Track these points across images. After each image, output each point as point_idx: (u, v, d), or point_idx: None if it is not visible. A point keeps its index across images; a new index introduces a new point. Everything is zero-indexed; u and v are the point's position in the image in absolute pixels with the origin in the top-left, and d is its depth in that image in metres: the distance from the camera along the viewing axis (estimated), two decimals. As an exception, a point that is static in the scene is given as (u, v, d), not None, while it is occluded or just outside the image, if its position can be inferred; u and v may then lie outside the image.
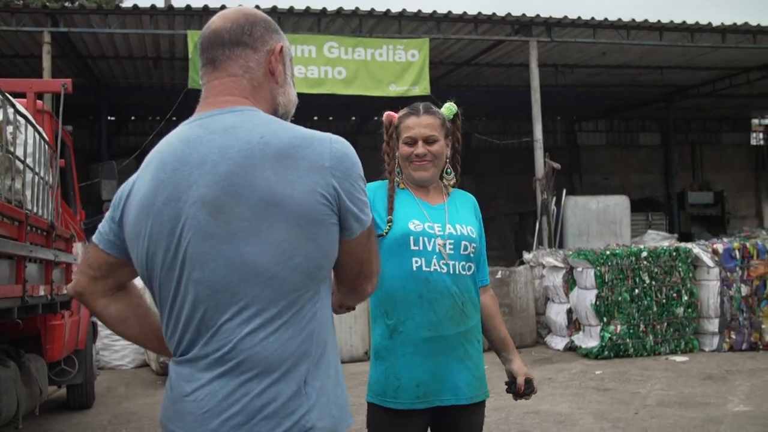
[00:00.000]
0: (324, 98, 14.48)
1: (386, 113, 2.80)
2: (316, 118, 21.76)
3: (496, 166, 21.36)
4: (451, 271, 2.55)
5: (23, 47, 12.76)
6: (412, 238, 2.54)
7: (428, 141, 2.63)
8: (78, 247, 7.55)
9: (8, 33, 11.76)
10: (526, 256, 11.88)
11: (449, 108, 2.75)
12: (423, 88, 12.15)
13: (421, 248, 2.54)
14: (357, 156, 1.67)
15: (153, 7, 11.82)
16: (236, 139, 1.60)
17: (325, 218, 1.60)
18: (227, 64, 1.74)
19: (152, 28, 11.79)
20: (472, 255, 2.61)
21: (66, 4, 11.64)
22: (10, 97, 4.87)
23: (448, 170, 2.73)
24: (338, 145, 1.65)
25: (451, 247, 2.56)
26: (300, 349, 1.58)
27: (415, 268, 2.53)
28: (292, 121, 1.77)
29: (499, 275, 11.12)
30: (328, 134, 1.69)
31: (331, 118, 21.94)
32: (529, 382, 2.73)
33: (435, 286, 2.53)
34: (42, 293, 5.20)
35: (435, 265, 2.53)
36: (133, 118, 21.02)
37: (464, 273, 2.59)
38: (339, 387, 1.68)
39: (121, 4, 14.10)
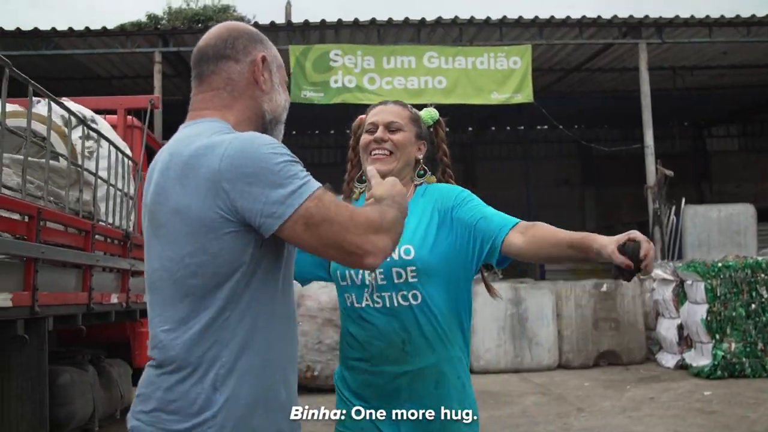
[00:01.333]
0: (439, 108, 14.33)
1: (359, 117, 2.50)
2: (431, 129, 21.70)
3: (617, 175, 20.57)
4: (387, 305, 2.16)
5: (140, 67, 13.35)
6: (338, 272, 2.23)
7: (390, 128, 2.31)
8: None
9: (125, 54, 12.37)
10: (635, 268, 11.30)
11: (429, 112, 2.50)
12: (526, 95, 11.84)
13: (349, 282, 2.21)
14: (266, 148, 1.60)
15: (256, 23, 12.14)
16: (172, 152, 1.69)
17: (216, 225, 1.61)
18: (211, 79, 1.82)
19: (257, 44, 12.09)
20: (413, 281, 2.15)
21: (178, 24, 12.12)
22: (79, 115, 5.08)
23: (421, 172, 2.38)
24: (236, 143, 1.62)
25: (381, 276, 2.16)
26: (208, 354, 1.61)
27: (348, 304, 2.23)
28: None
29: (604, 288, 10.67)
30: (235, 136, 1.66)
31: (447, 129, 21.77)
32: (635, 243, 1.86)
33: (367, 324, 2.19)
34: (115, 301, 5.35)
35: (367, 300, 2.18)
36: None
37: (405, 304, 2.15)
38: (268, 412, 1.65)
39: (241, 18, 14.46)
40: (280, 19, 12.43)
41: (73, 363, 5.28)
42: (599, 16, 11.91)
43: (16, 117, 4.85)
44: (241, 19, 12.33)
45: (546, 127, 18.32)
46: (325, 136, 21.87)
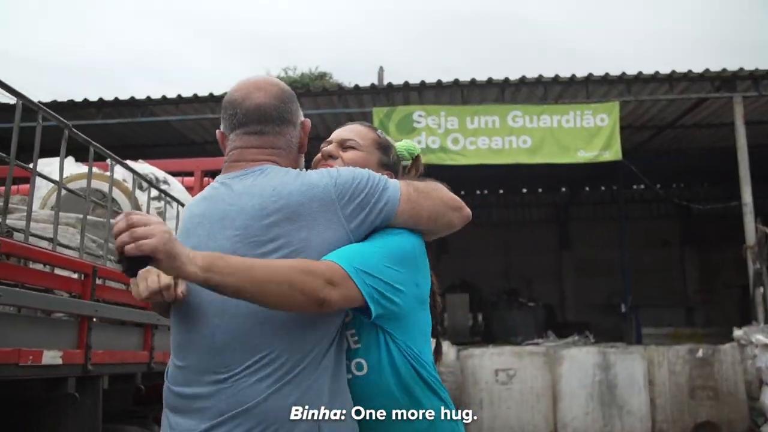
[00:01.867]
0: (533, 170, 14.19)
1: None
2: (525, 190, 21.44)
3: (719, 234, 19.66)
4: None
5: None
6: None
7: (344, 145, 2.18)
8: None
9: (215, 120, 12.74)
10: (736, 332, 10.65)
11: (407, 145, 2.35)
12: (614, 152, 11.51)
13: None
14: (360, 169, 1.97)
15: (340, 87, 12.35)
16: (252, 195, 1.87)
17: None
18: (275, 139, 2.01)
19: (341, 107, 12.27)
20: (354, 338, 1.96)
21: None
22: (146, 176, 5.22)
23: None
24: (343, 172, 1.94)
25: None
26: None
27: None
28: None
29: (700, 353, 10.06)
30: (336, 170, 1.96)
31: (540, 190, 21.49)
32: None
33: None
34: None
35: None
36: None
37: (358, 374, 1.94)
38: None
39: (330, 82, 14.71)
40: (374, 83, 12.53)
41: (139, 422, 5.30)
42: (690, 71, 11.52)
43: (85, 179, 5.01)
44: (339, 86, 12.53)
45: (642, 186, 17.76)
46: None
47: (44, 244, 3.97)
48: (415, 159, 2.36)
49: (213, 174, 7.20)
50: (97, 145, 4.38)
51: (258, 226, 1.82)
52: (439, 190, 2.02)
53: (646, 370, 9.94)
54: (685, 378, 9.93)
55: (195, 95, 12.26)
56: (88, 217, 4.59)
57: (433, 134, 11.69)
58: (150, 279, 1.82)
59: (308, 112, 12.35)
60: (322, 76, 28.82)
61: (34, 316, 3.79)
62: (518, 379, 9.85)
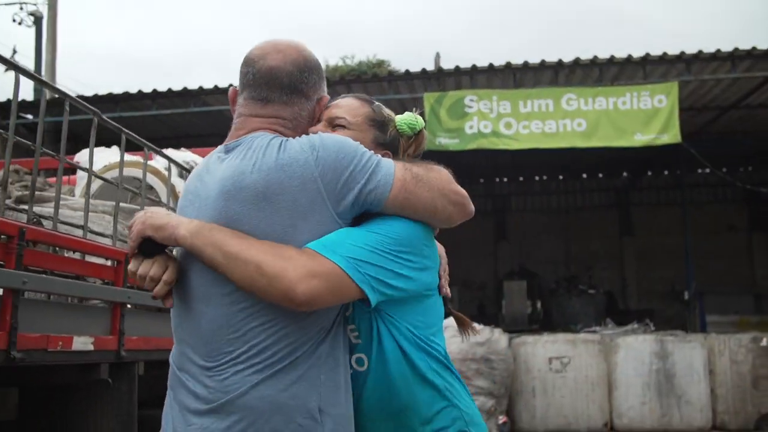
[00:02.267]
0: (593, 155, 13.87)
1: None
2: (585, 175, 21.01)
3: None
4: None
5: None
6: None
7: (332, 123, 1.96)
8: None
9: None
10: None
11: (408, 119, 2.05)
12: (672, 135, 11.14)
13: None
14: (348, 140, 1.80)
15: (390, 73, 12.26)
16: (232, 172, 1.75)
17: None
18: (281, 109, 1.86)
19: (392, 93, 12.17)
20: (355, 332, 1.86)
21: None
22: (184, 164, 5.23)
23: None
24: (327, 142, 1.77)
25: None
26: None
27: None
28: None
29: (764, 342, 9.70)
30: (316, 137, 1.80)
31: (601, 175, 21.03)
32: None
33: None
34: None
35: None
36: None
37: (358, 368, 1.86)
38: None
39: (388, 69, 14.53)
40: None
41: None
42: (754, 47, 11.05)
43: (128, 167, 5.06)
44: (390, 72, 12.43)
45: (707, 170, 17.22)
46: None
47: (79, 232, 4.01)
48: (418, 134, 2.06)
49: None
50: (130, 133, 4.40)
51: (233, 208, 1.72)
52: (441, 179, 1.81)
53: (706, 359, 9.64)
54: (748, 367, 9.59)
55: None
56: (126, 205, 4.63)
57: (485, 119, 11.50)
58: (154, 267, 1.77)
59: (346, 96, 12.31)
60: (380, 63, 28.71)
61: (65, 303, 3.83)
62: (572, 367, 9.66)
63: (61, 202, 4.44)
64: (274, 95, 1.85)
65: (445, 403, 1.85)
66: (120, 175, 4.36)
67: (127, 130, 4.37)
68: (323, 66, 1.99)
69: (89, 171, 3.98)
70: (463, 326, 2.09)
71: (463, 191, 1.86)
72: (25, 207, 4.50)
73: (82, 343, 3.70)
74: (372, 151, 1.80)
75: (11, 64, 3.35)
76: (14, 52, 16.51)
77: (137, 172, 5.22)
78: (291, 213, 1.69)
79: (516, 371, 9.58)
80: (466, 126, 11.51)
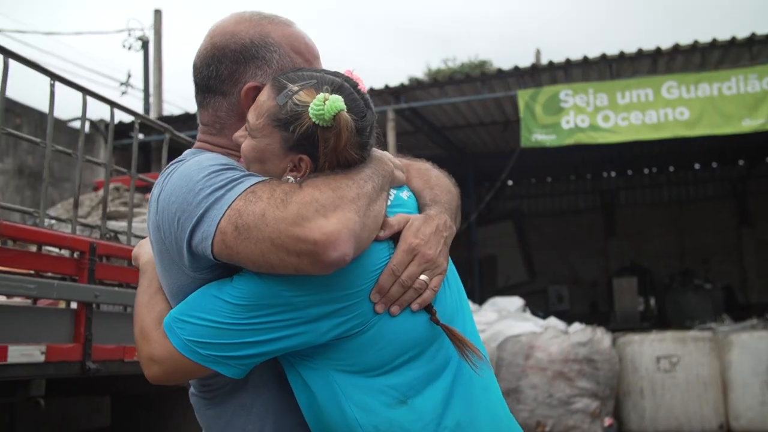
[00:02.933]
0: (705, 144, 13.33)
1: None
2: (697, 166, 20.14)
3: None
4: None
5: (380, 126, 13.88)
6: None
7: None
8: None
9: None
10: None
11: (315, 106, 1.39)
12: (785, 118, 10.52)
13: None
14: (185, 181, 1.44)
15: (483, 73, 12.13)
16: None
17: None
18: (201, 113, 1.65)
19: (485, 92, 12.04)
20: None
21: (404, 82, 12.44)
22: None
23: None
24: (167, 187, 1.48)
25: None
26: None
27: None
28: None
29: None
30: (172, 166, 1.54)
31: (714, 165, 20.10)
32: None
33: None
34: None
35: None
36: (510, 182, 21.51)
37: None
38: None
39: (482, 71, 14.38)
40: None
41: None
42: None
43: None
44: (482, 72, 12.32)
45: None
46: (561, 182, 21.08)
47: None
48: (336, 120, 1.40)
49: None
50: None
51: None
52: (283, 218, 1.31)
53: (832, 357, 9.02)
54: None
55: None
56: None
57: (582, 113, 11.20)
58: None
59: (454, 100, 12.26)
60: (482, 64, 28.42)
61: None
62: (682, 367, 9.25)
63: (139, 218, 4.62)
64: (196, 97, 1.63)
65: None
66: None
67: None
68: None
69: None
70: (458, 348, 1.53)
71: (324, 230, 1.31)
72: (121, 223, 4.71)
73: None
74: (220, 182, 1.41)
75: (84, 90, 3.51)
76: (129, 76, 17.33)
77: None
78: (161, 257, 1.53)
79: (622, 371, 9.26)
80: (563, 121, 11.26)
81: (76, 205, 3.60)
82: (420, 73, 30.22)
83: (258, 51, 1.58)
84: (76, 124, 12.69)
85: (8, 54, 3.10)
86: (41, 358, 3.04)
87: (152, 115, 15.30)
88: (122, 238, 3.97)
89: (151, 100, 15.79)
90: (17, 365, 2.94)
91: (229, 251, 1.35)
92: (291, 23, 1.67)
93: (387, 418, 1.44)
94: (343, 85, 1.48)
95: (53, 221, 4.43)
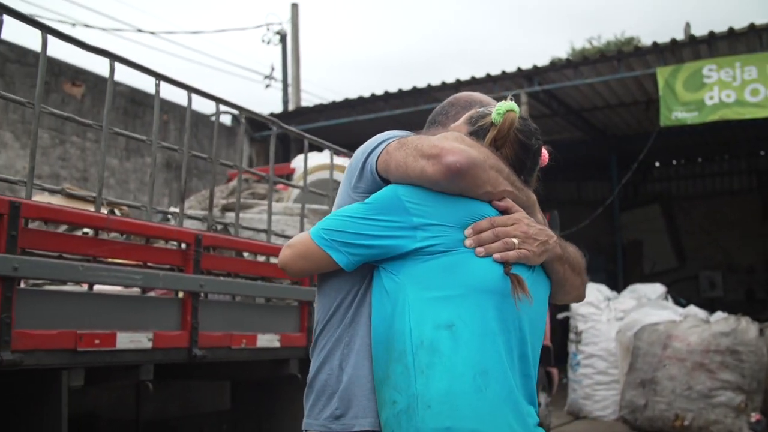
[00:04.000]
0: None
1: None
2: None
3: None
4: None
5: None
6: None
7: None
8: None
9: (497, 99, 12.72)
10: None
11: (499, 105, 1.90)
12: None
13: None
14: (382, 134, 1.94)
15: (620, 51, 11.63)
16: None
17: None
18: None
19: (622, 71, 11.56)
20: None
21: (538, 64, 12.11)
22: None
23: None
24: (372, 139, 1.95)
25: None
26: None
27: None
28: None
29: None
30: None
31: None
32: None
33: None
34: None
35: None
36: (657, 164, 20.59)
37: None
38: None
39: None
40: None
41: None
42: None
43: (323, 170, 5.32)
44: (622, 51, 11.80)
45: None
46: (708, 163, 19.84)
47: (262, 236, 4.29)
48: (504, 116, 1.85)
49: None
50: (312, 137, 4.63)
51: None
52: (428, 140, 1.77)
53: None
54: None
55: (472, 77, 12.39)
56: (315, 206, 4.86)
57: (727, 88, 10.54)
58: None
59: (590, 80, 11.86)
60: (630, 41, 27.39)
61: (251, 304, 4.12)
62: (842, 359, 8.54)
63: (256, 209, 4.78)
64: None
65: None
66: (304, 178, 4.60)
67: (309, 136, 4.60)
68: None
69: (239, 168, 4.22)
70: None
71: (447, 145, 1.72)
72: (246, 214, 4.89)
73: (267, 340, 3.96)
74: (408, 135, 1.89)
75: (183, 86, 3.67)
76: (272, 69, 17.92)
77: (338, 175, 5.46)
78: (341, 189, 1.96)
79: (772, 364, 8.67)
80: (706, 97, 10.65)
81: (182, 199, 3.77)
82: (564, 54, 29.42)
83: (480, 105, 2.06)
84: (222, 119, 13.27)
85: (117, 59, 3.30)
86: (149, 345, 3.22)
87: (291, 106, 15.77)
88: (232, 230, 4.12)
89: (290, 91, 16.26)
90: (125, 351, 3.13)
91: (387, 158, 1.79)
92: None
93: (430, 336, 1.68)
94: (527, 119, 1.94)
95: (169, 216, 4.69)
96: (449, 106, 2.11)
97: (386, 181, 1.82)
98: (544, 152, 2.00)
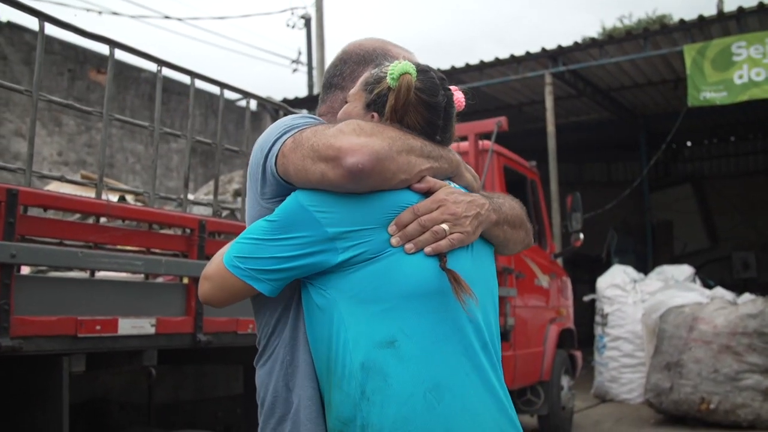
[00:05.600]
0: None
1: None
2: None
3: None
4: None
5: (540, 91, 13.43)
6: None
7: None
8: (544, 280, 7.77)
9: (525, 80, 12.60)
10: None
11: (392, 65, 1.66)
12: None
13: None
14: (279, 122, 1.75)
15: (646, 29, 11.44)
16: None
17: None
18: (319, 107, 1.95)
19: (648, 49, 11.36)
20: None
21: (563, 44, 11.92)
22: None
23: None
24: (270, 128, 1.77)
25: None
26: None
27: None
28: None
29: None
30: None
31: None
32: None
33: None
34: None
35: None
36: (689, 143, 20.27)
37: None
38: None
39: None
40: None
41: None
42: None
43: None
44: (648, 29, 11.58)
45: None
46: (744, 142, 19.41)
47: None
48: (399, 80, 1.64)
49: (487, 136, 7.13)
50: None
51: None
52: (327, 134, 1.55)
53: None
54: None
55: (496, 58, 12.27)
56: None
57: (758, 65, 10.30)
58: None
59: (616, 59, 11.67)
60: (661, 18, 26.92)
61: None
62: None
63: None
64: (319, 97, 2.00)
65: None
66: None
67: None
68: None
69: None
70: (455, 291, 1.57)
71: (345, 143, 1.52)
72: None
73: (274, 325, 3.95)
74: (306, 125, 1.67)
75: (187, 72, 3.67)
76: (299, 53, 17.98)
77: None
78: (248, 192, 1.80)
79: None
80: (735, 76, 10.43)
81: (186, 184, 3.78)
82: (594, 33, 29.00)
83: (377, 58, 1.85)
84: (243, 103, 13.32)
85: (117, 45, 3.30)
86: (152, 330, 3.24)
87: (315, 90, 15.75)
88: (239, 215, 4.12)
89: (315, 74, 16.25)
90: (128, 337, 3.14)
91: (284, 161, 1.60)
92: (412, 52, 1.94)
93: (371, 358, 1.53)
94: (429, 70, 1.70)
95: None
96: (341, 63, 1.89)
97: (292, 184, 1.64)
98: (458, 97, 1.76)
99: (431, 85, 1.67)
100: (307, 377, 1.65)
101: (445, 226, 1.60)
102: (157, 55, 3.51)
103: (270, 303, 1.71)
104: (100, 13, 14.56)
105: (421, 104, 1.65)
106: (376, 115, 1.67)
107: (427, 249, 1.58)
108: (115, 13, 18.86)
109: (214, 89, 3.77)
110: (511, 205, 1.85)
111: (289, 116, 1.75)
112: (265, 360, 1.72)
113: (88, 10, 18.32)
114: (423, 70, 1.67)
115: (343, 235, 1.56)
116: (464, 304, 1.56)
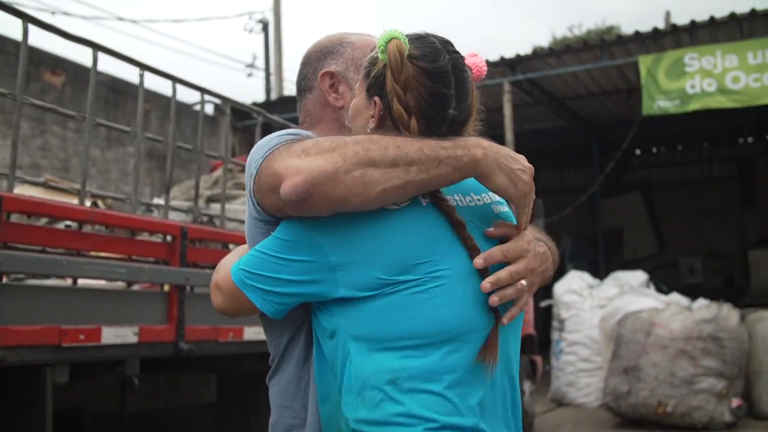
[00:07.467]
0: None
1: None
2: None
3: None
4: None
5: (491, 101, 13.55)
6: None
7: None
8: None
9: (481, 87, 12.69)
10: None
11: (381, 37, 1.46)
12: None
13: None
14: (271, 136, 1.56)
15: (603, 40, 11.65)
16: None
17: None
18: (299, 116, 1.83)
19: (605, 59, 11.58)
20: None
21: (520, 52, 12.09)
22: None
23: None
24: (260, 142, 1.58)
25: None
26: None
27: None
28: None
29: None
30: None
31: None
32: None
33: None
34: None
35: None
36: (638, 151, 20.66)
37: None
38: None
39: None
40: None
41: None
42: None
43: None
44: (601, 38, 11.83)
45: None
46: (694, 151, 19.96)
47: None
48: (387, 49, 1.45)
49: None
50: (294, 126, 4.59)
51: None
52: (279, 159, 1.40)
53: None
54: None
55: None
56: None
57: (709, 76, 10.58)
58: None
59: (573, 69, 11.86)
60: (610, 30, 27.47)
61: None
62: (820, 345, 8.66)
63: (240, 200, 4.74)
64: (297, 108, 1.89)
65: None
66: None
67: (293, 125, 4.55)
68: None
69: (225, 158, 4.18)
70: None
71: (283, 167, 1.37)
72: (231, 205, 4.85)
73: (254, 333, 3.93)
74: (292, 137, 1.50)
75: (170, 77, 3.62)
76: (254, 58, 17.96)
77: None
78: (247, 212, 1.65)
79: (753, 350, 8.75)
80: (687, 85, 10.70)
81: (168, 191, 3.73)
82: (545, 43, 29.45)
83: (334, 47, 1.78)
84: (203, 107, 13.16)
85: (100, 49, 3.24)
86: (134, 339, 3.19)
87: (273, 95, 15.67)
88: (218, 222, 4.09)
89: (272, 80, 16.17)
90: (111, 346, 3.09)
91: (258, 188, 1.46)
92: (375, 36, 1.69)
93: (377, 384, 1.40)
94: (426, 35, 1.50)
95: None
96: (304, 66, 1.80)
97: None
98: (475, 62, 1.59)
99: (430, 50, 1.46)
100: (304, 396, 1.60)
101: (524, 281, 1.45)
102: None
103: (279, 325, 1.61)
104: (53, 13, 14.29)
105: (422, 74, 1.44)
106: (378, 99, 1.47)
107: (514, 310, 1.46)
108: (66, 14, 18.52)
109: (171, 92, 3.70)
110: (553, 250, 1.76)
111: (273, 133, 1.58)
112: (278, 378, 1.65)
113: (40, 9, 17.87)
114: (418, 37, 1.48)
115: (342, 266, 1.41)
116: (490, 369, 1.43)
